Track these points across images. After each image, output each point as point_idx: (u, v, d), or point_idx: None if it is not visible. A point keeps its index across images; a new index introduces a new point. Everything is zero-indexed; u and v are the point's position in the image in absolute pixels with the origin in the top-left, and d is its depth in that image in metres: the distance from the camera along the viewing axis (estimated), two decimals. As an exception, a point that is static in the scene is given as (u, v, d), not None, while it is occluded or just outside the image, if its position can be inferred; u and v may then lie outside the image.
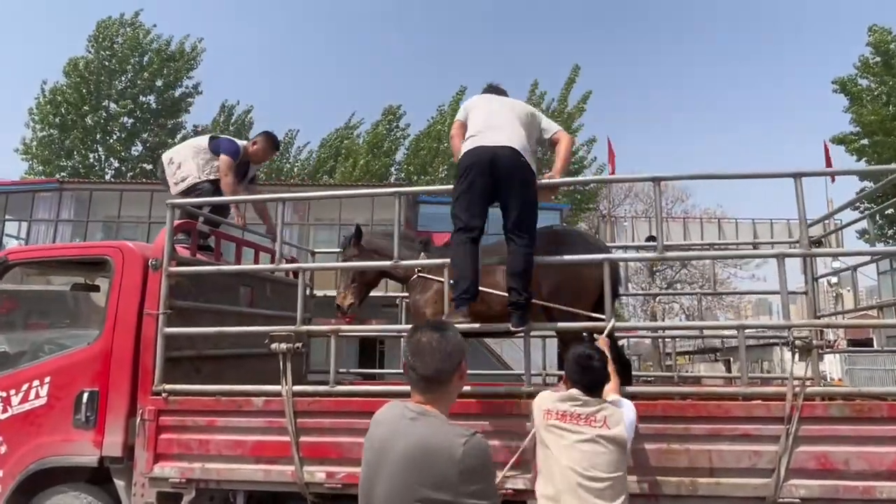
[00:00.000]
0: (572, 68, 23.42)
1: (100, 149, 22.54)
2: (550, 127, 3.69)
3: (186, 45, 23.51)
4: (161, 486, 3.48)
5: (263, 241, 5.25)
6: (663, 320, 22.86)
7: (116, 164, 23.08)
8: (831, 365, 17.85)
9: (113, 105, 22.28)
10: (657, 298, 24.40)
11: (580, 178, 21.83)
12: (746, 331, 3.69)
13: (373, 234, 4.48)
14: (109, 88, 22.12)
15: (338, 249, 5.03)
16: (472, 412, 3.24)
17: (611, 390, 2.86)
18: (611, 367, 2.92)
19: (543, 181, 3.58)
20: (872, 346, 18.82)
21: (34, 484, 3.65)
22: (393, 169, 23.96)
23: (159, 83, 22.96)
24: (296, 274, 4.50)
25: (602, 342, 3.08)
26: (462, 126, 3.57)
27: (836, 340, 19.07)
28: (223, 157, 4.83)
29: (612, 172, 17.98)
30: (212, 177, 4.85)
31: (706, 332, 9.77)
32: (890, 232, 18.74)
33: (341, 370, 5.70)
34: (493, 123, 3.39)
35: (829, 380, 13.27)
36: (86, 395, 3.65)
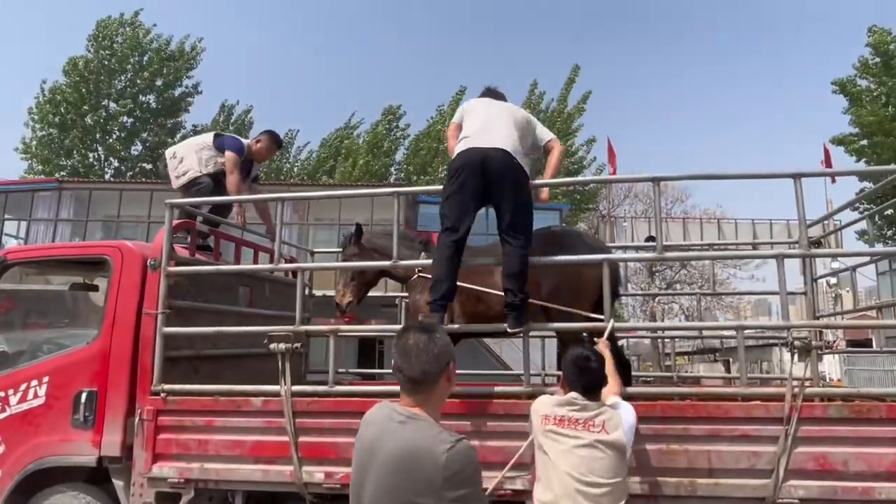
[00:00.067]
0: (572, 68, 23.44)
1: (99, 148, 22.53)
2: (545, 135, 3.71)
3: (186, 45, 23.52)
4: (159, 486, 3.48)
5: (263, 241, 5.25)
6: (663, 321, 22.86)
7: (116, 164, 23.08)
8: (830, 365, 17.86)
9: (112, 104, 22.28)
10: (656, 299, 24.41)
11: (579, 178, 21.91)
12: (745, 331, 3.69)
13: (373, 234, 4.48)
14: (109, 88, 22.12)
15: (337, 249, 5.03)
16: (471, 412, 3.24)
17: (612, 392, 2.85)
18: (611, 369, 2.92)
19: (536, 182, 3.59)
20: (871, 346, 18.83)
21: (32, 484, 3.65)
22: (393, 169, 23.97)
23: (159, 83, 22.95)
24: (295, 274, 4.49)
25: (602, 345, 3.07)
26: (458, 128, 3.59)
27: (835, 341, 19.08)
28: (229, 153, 4.84)
29: (614, 173, 18.00)
30: (212, 170, 4.86)
31: (705, 333, 9.78)
32: (889, 233, 18.76)
33: (340, 370, 5.71)
34: (486, 126, 3.41)
35: (828, 380, 13.27)
36: (84, 395, 3.64)
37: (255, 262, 5.08)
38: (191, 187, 4.78)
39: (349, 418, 3.30)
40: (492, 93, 3.80)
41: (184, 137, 21.82)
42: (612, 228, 22.59)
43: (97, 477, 3.65)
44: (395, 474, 1.56)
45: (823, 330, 4.69)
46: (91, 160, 22.48)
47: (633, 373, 4.79)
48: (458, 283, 3.87)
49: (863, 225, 13.08)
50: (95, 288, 4.31)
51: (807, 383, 3.07)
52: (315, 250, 5.90)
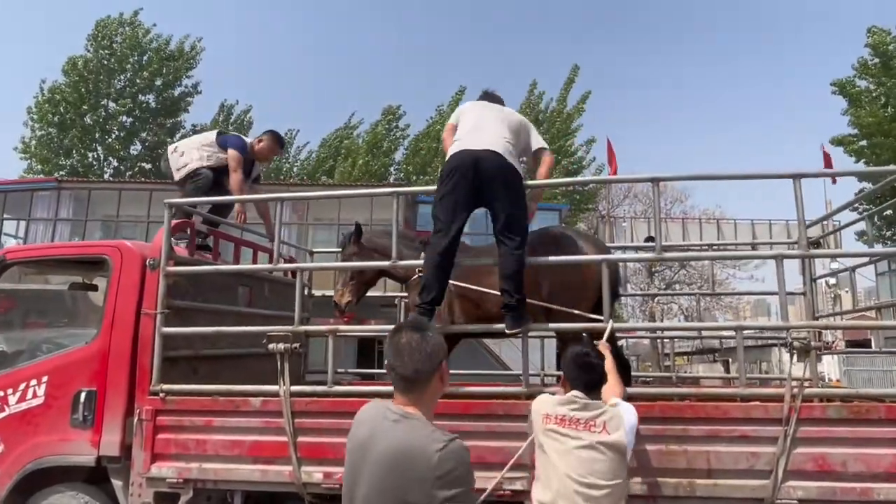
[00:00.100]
0: (571, 68, 23.42)
1: (99, 148, 22.51)
2: (538, 142, 3.73)
3: (186, 45, 23.50)
4: (158, 486, 3.48)
5: (262, 241, 5.24)
6: (662, 321, 22.86)
7: (115, 163, 23.05)
8: (829, 366, 17.88)
9: (112, 104, 22.25)
10: (656, 299, 24.40)
11: (578, 178, 21.89)
12: (745, 332, 3.69)
13: (373, 233, 4.48)
14: (108, 87, 22.09)
15: (336, 249, 5.03)
16: (470, 413, 3.24)
17: (614, 394, 2.83)
18: (612, 370, 2.91)
19: (536, 182, 3.60)
20: (870, 347, 18.85)
21: (31, 483, 3.64)
22: (392, 169, 23.96)
23: (158, 82, 22.92)
24: (294, 274, 4.49)
25: (602, 346, 3.07)
26: (453, 129, 3.62)
27: (834, 341, 19.10)
28: (232, 152, 4.84)
29: (614, 173, 18.00)
30: (213, 164, 4.86)
31: (704, 333, 9.81)
32: (888, 233, 18.77)
33: (339, 370, 5.71)
34: (479, 128, 3.44)
35: (827, 381, 13.28)
36: (83, 395, 3.64)
37: (255, 261, 5.08)
38: (191, 179, 4.77)
39: (348, 418, 3.23)
40: (489, 96, 3.83)
41: (183, 137, 21.81)
42: (612, 229, 22.59)
43: (96, 477, 3.65)
44: (388, 473, 1.56)
45: (822, 330, 4.69)
46: (90, 160, 22.46)
47: (633, 373, 4.79)
48: (458, 284, 3.89)
49: (862, 225, 13.06)
50: (94, 288, 4.31)
51: (806, 384, 3.07)
52: (314, 250, 5.90)
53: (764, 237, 20.46)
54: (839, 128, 19.36)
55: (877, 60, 18.11)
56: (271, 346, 3.49)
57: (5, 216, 16.03)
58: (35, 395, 3.72)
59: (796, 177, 3.31)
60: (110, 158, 22.91)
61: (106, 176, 21.84)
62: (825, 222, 6.14)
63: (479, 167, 3.26)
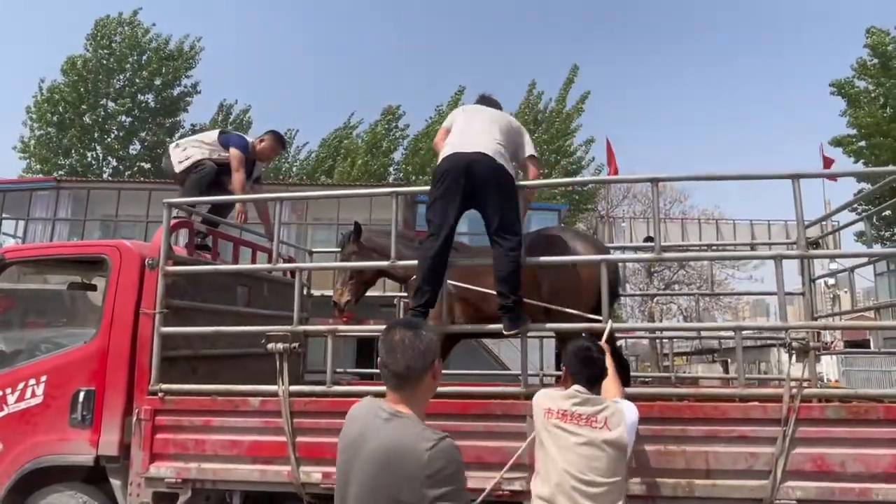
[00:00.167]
0: (571, 68, 23.42)
1: (98, 147, 22.50)
2: (527, 149, 3.72)
3: (185, 45, 23.50)
4: (157, 486, 3.47)
5: (261, 241, 5.24)
6: (661, 321, 22.87)
7: (114, 163, 23.04)
8: (828, 366, 17.89)
9: (111, 104, 22.24)
10: (655, 299, 24.41)
11: (577, 178, 21.89)
12: (743, 332, 3.69)
13: (372, 232, 4.47)
14: (107, 87, 22.09)
15: (335, 249, 5.03)
16: (469, 412, 3.24)
17: (614, 395, 2.84)
18: (612, 371, 2.91)
19: (535, 182, 3.60)
20: (869, 347, 18.85)
21: (30, 483, 3.64)
22: (391, 169, 23.96)
23: (158, 82, 22.92)
24: (293, 274, 4.49)
25: (601, 347, 3.07)
26: (445, 133, 3.62)
27: (833, 342, 19.10)
28: (234, 151, 4.84)
29: (613, 173, 18.01)
30: (215, 158, 4.85)
31: (703, 333, 9.81)
32: (887, 234, 18.79)
33: (338, 370, 5.70)
34: (472, 131, 3.45)
35: (826, 381, 13.29)
36: (82, 395, 3.63)
37: (253, 261, 5.08)
38: (193, 170, 4.77)
39: (347, 418, 3.30)
40: (485, 100, 3.85)
41: (182, 137, 21.80)
42: (611, 229, 22.58)
43: (94, 476, 3.65)
44: (379, 472, 1.57)
45: (821, 331, 4.69)
46: (89, 159, 22.45)
47: (632, 373, 4.80)
48: (459, 285, 3.89)
49: (861, 226, 13.08)
50: (93, 287, 4.30)
51: (805, 384, 3.07)
52: (313, 250, 5.90)
53: (763, 237, 20.46)
54: (839, 128, 19.38)
55: (876, 61, 18.13)
56: (270, 345, 3.49)
57: (4, 216, 16.01)
58: (34, 395, 3.72)
59: (795, 177, 3.31)
60: (109, 158, 22.90)
61: (105, 175, 21.83)
62: (824, 223, 6.15)
63: (470, 170, 3.28)
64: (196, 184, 4.72)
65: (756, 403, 3.14)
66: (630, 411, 2.65)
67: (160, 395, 3.56)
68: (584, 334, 3.24)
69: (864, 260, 5.00)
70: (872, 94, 18.39)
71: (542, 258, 3.59)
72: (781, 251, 3.89)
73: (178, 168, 4.87)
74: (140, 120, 22.96)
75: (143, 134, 23.27)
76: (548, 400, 2.64)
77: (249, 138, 5.17)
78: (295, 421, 3.37)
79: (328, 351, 3.66)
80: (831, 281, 18.90)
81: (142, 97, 22.91)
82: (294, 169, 25.46)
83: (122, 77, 22.46)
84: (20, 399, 3.73)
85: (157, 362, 3.60)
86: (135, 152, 23.37)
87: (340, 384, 4.78)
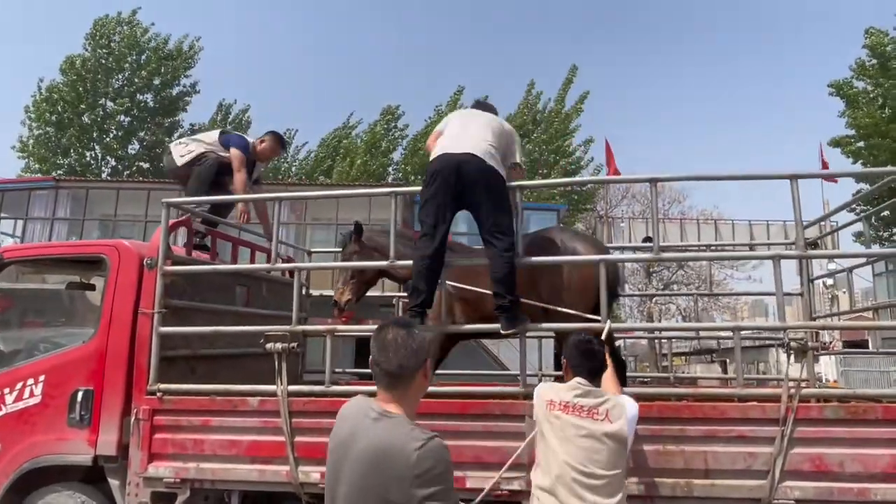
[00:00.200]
0: (570, 68, 23.44)
1: (96, 147, 22.47)
2: (515, 155, 3.73)
3: (184, 44, 23.48)
4: (155, 486, 3.47)
5: (260, 241, 5.24)
6: (660, 321, 22.88)
7: (113, 163, 23.02)
8: (827, 367, 17.91)
9: (110, 103, 22.21)
10: (654, 299, 24.43)
11: (576, 178, 21.90)
12: (742, 332, 3.69)
13: (373, 232, 4.47)
14: (106, 86, 22.06)
15: (334, 249, 5.03)
16: (467, 412, 3.24)
17: (612, 392, 2.85)
18: (610, 372, 2.92)
19: (533, 182, 3.60)
20: (868, 348, 18.87)
21: (28, 483, 3.63)
22: (391, 169, 23.95)
23: (157, 82, 22.90)
24: (292, 273, 4.48)
25: None
26: (438, 135, 3.64)
27: (831, 342, 19.12)
28: (235, 151, 4.83)
29: (613, 174, 17.99)
30: (221, 153, 4.85)
31: (702, 334, 9.81)
32: (886, 234, 18.81)
33: (337, 370, 5.69)
34: (463, 132, 3.47)
35: (824, 381, 13.30)
36: (80, 394, 3.63)
37: (252, 261, 5.08)
38: (196, 163, 4.77)
39: (346, 418, 3.29)
40: (480, 105, 3.89)
41: (181, 136, 21.80)
42: (610, 229, 22.59)
43: (93, 476, 3.64)
44: (368, 472, 1.57)
45: (820, 331, 4.70)
46: (88, 159, 22.42)
47: (631, 373, 4.81)
48: (458, 285, 3.89)
49: (859, 226, 13.11)
50: (92, 287, 4.30)
51: (803, 384, 3.08)
52: (312, 250, 5.90)
53: (762, 238, 20.49)
54: (839, 128, 19.39)
55: (874, 61, 18.15)
56: (269, 345, 3.49)
57: (2, 215, 15.98)
58: (32, 395, 3.71)
59: (793, 177, 3.32)
60: (108, 158, 22.87)
61: (104, 175, 21.80)
62: (823, 223, 6.16)
63: (460, 171, 3.29)
64: (201, 175, 4.72)
65: (754, 403, 3.15)
66: (630, 405, 2.69)
67: (159, 394, 3.56)
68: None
69: (863, 260, 5.01)
70: (871, 95, 18.41)
71: (541, 258, 3.60)
72: (780, 251, 3.89)
73: (179, 162, 4.86)
74: (139, 119, 22.94)
75: (141, 133, 23.24)
76: (550, 392, 2.67)
77: (250, 138, 5.17)
78: (293, 421, 3.37)
79: (327, 351, 3.65)
80: (830, 281, 18.92)
81: (141, 97, 22.88)
82: (293, 169, 25.45)
83: (120, 76, 22.44)
84: (18, 399, 3.73)
85: (156, 362, 3.60)
86: (133, 152, 23.34)
87: (339, 384, 4.77)
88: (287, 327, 3.59)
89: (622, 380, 3.57)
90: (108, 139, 22.34)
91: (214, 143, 4.92)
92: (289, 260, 5.39)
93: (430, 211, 3.36)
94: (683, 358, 29.47)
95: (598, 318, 3.35)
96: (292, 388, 3.49)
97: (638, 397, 3.18)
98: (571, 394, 2.60)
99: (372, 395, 1.78)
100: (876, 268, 17.69)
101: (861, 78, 18.60)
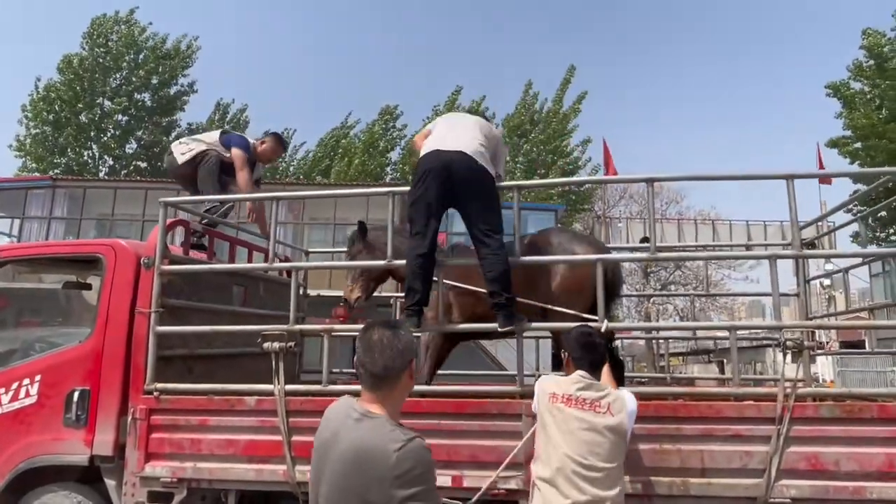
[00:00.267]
0: (567, 69, 23.44)
1: (94, 146, 22.42)
2: (500, 164, 3.73)
3: (182, 44, 23.44)
4: (152, 486, 3.46)
5: (257, 240, 5.23)
6: (657, 321, 22.91)
7: (110, 162, 22.97)
8: (824, 367, 17.96)
9: (107, 102, 22.17)
10: (651, 299, 24.48)
11: (574, 178, 21.90)
12: (739, 332, 3.71)
13: (381, 231, 4.46)
14: (104, 86, 22.01)
15: (332, 249, 5.03)
16: (464, 412, 3.24)
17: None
18: (607, 371, 2.93)
19: (526, 183, 3.61)
20: (864, 348, 18.93)
21: (24, 483, 3.62)
22: (388, 169, 23.95)
23: (154, 81, 22.86)
24: (289, 273, 4.48)
25: None
26: (427, 134, 3.66)
27: (828, 342, 19.17)
28: (237, 151, 4.83)
29: (612, 174, 18.01)
30: (222, 152, 4.84)
31: (699, 334, 9.83)
32: (882, 234, 18.85)
33: (335, 370, 5.69)
34: (452, 131, 3.49)
35: (821, 382, 13.33)
36: (77, 394, 3.62)
37: (250, 261, 5.07)
38: (201, 162, 4.77)
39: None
40: (471, 112, 3.89)
41: (178, 136, 21.78)
42: (608, 229, 22.61)
43: (89, 476, 3.63)
44: (349, 472, 1.57)
45: (816, 331, 4.72)
46: (85, 158, 22.36)
47: (628, 373, 4.81)
48: (455, 284, 3.89)
49: (856, 227, 13.14)
50: (89, 286, 4.29)
51: (799, 384, 3.09)
52: (310, 250, 5.89)
53: (759, 238, 20.53)
54: (838, 129, 19.41)
55: (872, 62, 18.19)
56: (266, 344, 3.49)
57: (0, 214, 15.95)
58: (28, 394, 3.70)
59: (789, 177, 3.33)
60: (105, 157, 22.83)
61: (101, 174, 21.73)
62: (819, 223, 6.18)
63: (451, 169, 3.31)
64: (209, 173, 4.71)
65: (751, 402, 3.16)
66: (630, 399, 2.72)
67: (156, 394, 3.55)
68: None
69: (859, 260, 5.02)
70: (868, 96, 18.45)
71: (537, 258, 3.60)
72: (776, 251, 3.90)
73: (180, 160, 4.84)
74: (136, 119, 22.89)
75: (139, 133, 23.19)
76: (553, 384, 2.69)
77: (250, 139, 5.16)
78: (291, 420, 3.37)
79: (324, 350, 3.65)
80: (827, 282, 18.96)
81: (138, 96, 22.84)
82: (291, 168, 25.42)
83: (118, 76, 22.39)
84: (14, 399, 3.72)
85: (153, 361, 3.59)
86: (131, 151, 23.29)
87: (337, 384, 4.77)
88: (284, 327, 3.59)
89: (619, 380, 3.58)
90: (105, 138, 22.30)
91: (215, 143, 4.91)
92: (286, 260, 5.38)
93: (421, 209, 3.36)
94: (681, 358, 29.53)
95: (596, 318, 3.35)
96: (289, 387, 3.49)
97: (635, 396, 3.19)
98: (574, 387, 2.62)
99: (355, 394, 1.78)
100: (872, 268, 17.67)
101: (858, 79, 18.64)
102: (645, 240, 17.41)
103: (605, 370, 2.89)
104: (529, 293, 3.65)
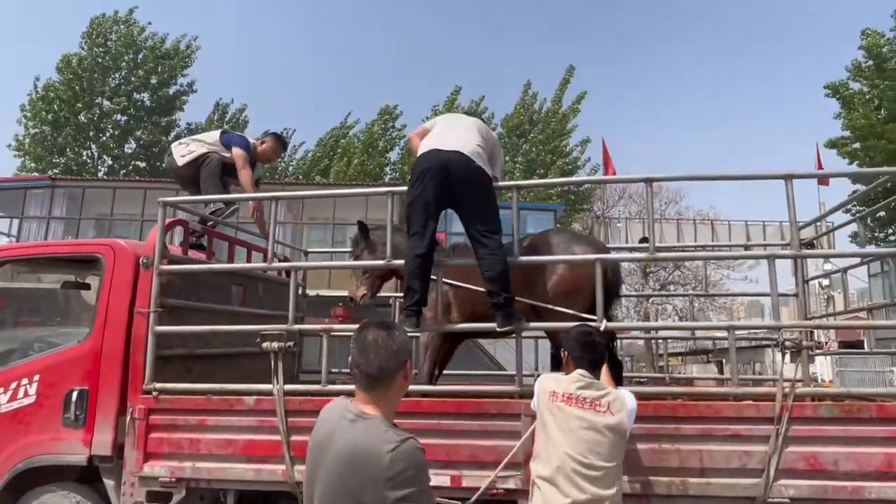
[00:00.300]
0: (567, 69, 23.47)
1: (93, 146, 22.41)
2: (497, 167, 3.73)
3: (181, 44, 23.43)
4: (151, 486, 3.46)
5: (256, 240, 5.23)
6: (656, 321, 22.92)
7: (109, 162, 22.96)
8: (822, 367, 17.97)
9: (106, 102, 22.16)
10: (650, 299, 24.49)
11: (573, 178, 21.91)
12: (737, 332, 3.71)
13: (385, 230, 4.46)
14: (103, 85, 22.00)
15: (331, 249, 5.03)
16: (463, 412, 3.24)
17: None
18: (606, 370, 2.94)
19: (525, 183, 3.62)
20: (863, 348, 18.95)
21: (23, 483, 3.62)
22: (388, 168, 23.95)
23: (153, 81, 22.85)
24: (288, 273, 4.48)
25: None
26: (424, 132, 3.66)
27: (827, 342, 19.19)
28: (238, 150, 4.83)
29: (611, 173, 18.01)
30: (222, 153, 4.85)
31: (698, 334, 9.83)
32: (881, 235, 18.87)
33: (334, 370, 5.69)
34: (449, 131, 3.49)
35: (820, 382, 13.34)
36: (75, 394, 3.62)
37: (249, 261, 5.07)
38: (202, 164, 4.77)
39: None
40: (468, 113, 3.90)
41: (178, 136, 21.79)
42: (607, 229, 22.63)
43: (88, 476, 3.63)
44: (343, 473, 1.57)
45: (815, 331, 4.73)
46: (84, 158, 22.35)
47: (627, 373, 4.81)
48: (454, 283, 3.89)
49: (855, 227, 13.16)
50: (87, 286, 4.28)
51: (798, 384, 3.09)
52: (309, 250, 5.89)
53: (758, 238, 20.56)
54: (837, 129, 19.43)
55: (870, 63, 18.21)
56: (265, 344, 3.48)
57: (-2, 214, 15.93)
58: (27, 394, 3.70)
59: (788, 177, 3.33)
60: (104, 157, 22.82)
61: (100, 174, 21.72)
62: (818, 223, 6.18)
63: (448, 169, 3.31)
64: (211, 175, 4.71)
65: (749, 402, 3.16)
66: (630, 399, 2.73)
67: (154, 394, 3.55)
68: None
69: (858, 260, 5.03)
70: (867, 97, 18.47)
71: (536, 257, 3.60)
72: (775, 251, 3.90)
73: (180, 162, 4.84)
74: (135, 119, 22.88)
75: (138, 133, 23.17)
76: (553, 383, 2.70)
77: (250, 139, 5.16)
78: (290, 420, 3.37)
79: (323, 350, 3.65)
80: (825, 282, 18.98)
81: (137, 96, 22.83)
82: (290, 168, 25.42)
83: (117, 75, 22.38)
84: (13, 399, 3.71)
85: (152, 361, 3.59)
86: (130, 151, 23.28)
87: (336, 383, 4.77)
88: (283, 326, 3.59)
89: (618, 380, 3.59)
90: (104, 138, 22.28)
91: (216, 144, 4.91)
92: (285, 259, 5.38)
93: (419, 209, 3.37)
94: (680, 358, 29.55)
95: (594, 317, 3.35)
96: (288, 387, 3.49)
97: (634, 396, 3.20)
98: (574, 386, 2.63)
99: (350, 395, 1.78)
100: (871, 268, 17.74)
101: (857, 79, 18.66)
102: (644, 240, 17.42)
103: (604, 370, 2.90)
104: (529, 293, 3.65)
